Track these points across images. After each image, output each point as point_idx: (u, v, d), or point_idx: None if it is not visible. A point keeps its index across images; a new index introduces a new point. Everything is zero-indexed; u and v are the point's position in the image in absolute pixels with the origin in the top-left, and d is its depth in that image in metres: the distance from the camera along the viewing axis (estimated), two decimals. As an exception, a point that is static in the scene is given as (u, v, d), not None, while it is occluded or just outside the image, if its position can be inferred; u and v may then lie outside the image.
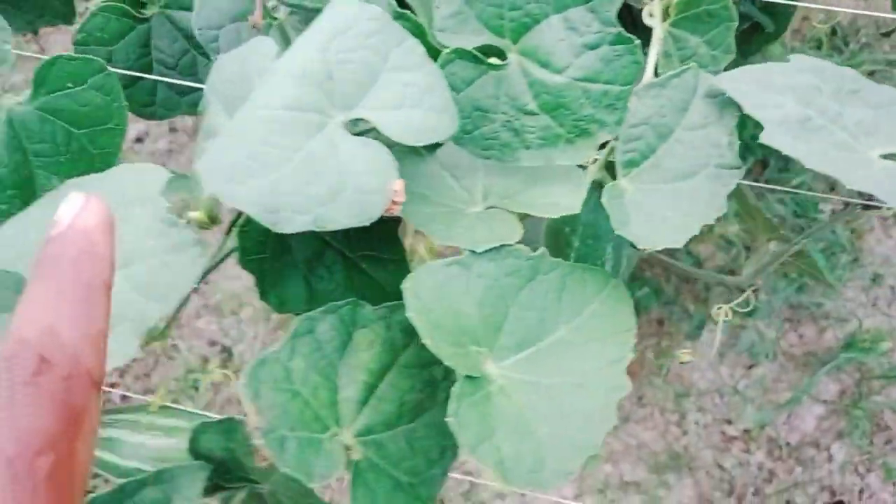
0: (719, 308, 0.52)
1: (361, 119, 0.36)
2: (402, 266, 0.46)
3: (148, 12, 0.51)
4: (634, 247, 0.51)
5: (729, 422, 1.50)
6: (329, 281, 0.43)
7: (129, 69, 0.51)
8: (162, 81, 0.52)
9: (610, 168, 0.45)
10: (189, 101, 0.54)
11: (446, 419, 0.33)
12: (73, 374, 0.17)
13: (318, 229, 0.33)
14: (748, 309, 0.53)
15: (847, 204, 0.44)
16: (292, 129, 0.34)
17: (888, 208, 0.42)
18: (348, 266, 0.44)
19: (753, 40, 0.63)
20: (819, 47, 1.65)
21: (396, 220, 0.43)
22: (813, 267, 0.51)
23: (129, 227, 0.36)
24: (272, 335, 1.41)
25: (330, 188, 0.33)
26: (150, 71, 0.52)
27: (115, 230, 0.19)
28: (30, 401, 0.16)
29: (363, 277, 0.45)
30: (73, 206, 0.18)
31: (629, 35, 0.37)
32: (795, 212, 1.46)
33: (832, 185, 1.61)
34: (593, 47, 0.37)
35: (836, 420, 1.49)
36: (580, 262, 0.42)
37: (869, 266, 1.50)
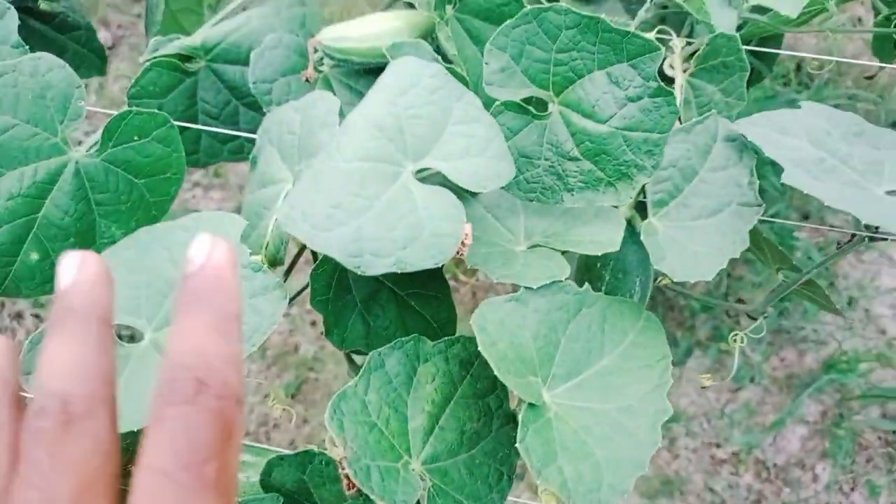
0: (735, 334, 0.56)
1: (428, 168, 0.39)
2: (446, 301, 0.49)
3: (194, 66, 0.54)
4: (655, 280, 0.55)
5: (717, 445, 1.54)
6: (383, 318, 0.46)
7: (176, 119, 0.53)
8: (206, 130, 0.55)
9: (638, 207, 0.48)
10: (230, 149, 0.57)
11: (516, 445, 0.36)
12: (223, 393, 0.19)
13: (398, 271, 0.35)
14: (761, 335, 0.56)
15: (853, 235, 0.48)
16: (371, 179, 0.37)
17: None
18: (399, 303, 0.47)
19: (751, 86, 0.68)
20: (787, 84, 1.74)
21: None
22: (822, 296, 0.55)
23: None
24: (266, 372, 1.42)
25: (408, 233, 0.36)
26: (195, 121, 0.55)
27: (237, 266, 0.21)
28: (193, 417, 0.18)
29: (412, 313, 0.47)
30: (203, 246, 0.21)
31: (668, 88, 0.41)
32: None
33: (805, 215, 1.68)
34: (635, 100, 0.41)
35: (819, 440, 1.54)
36: (610, 295, 0.45)
37: (844, 291, 1.57)
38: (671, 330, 1.57)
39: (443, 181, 0.39)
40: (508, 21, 0.43)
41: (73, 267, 0.21)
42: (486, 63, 0.44)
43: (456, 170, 0.38)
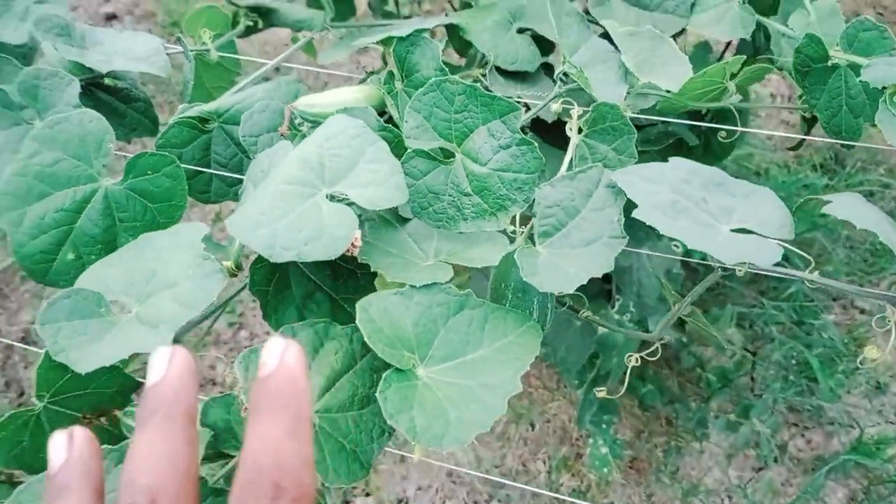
0: (629, 356, 0.64)
1: (340, 193, 0.52)
2: (377, 309, 0.61)
3: (210, 126, 0.70)
4: (561, 304, 0.65)
5: (738, 523, 1.53)
6: (317, 314, 0.58)
7: (193, 166, 0.69)
8: (216, 175, 0.71)
9: (531, 238, 0.60)
10: (235, 190, 0.72)
11: (376, 394, 0.47)
12: (299, 495, 0.20)
13: (299, 260, 0.48)
14: (655, 358, 0.65)
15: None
16: (291, 196, 0.50)
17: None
18: (334, 305, 0.59)
19: (681, 154, 0.79)
20: (815, 170, 1.79)
21: (374, 274, 0.58)
22: (702, 321, 0.63)
23: (179, 263, 0.53)
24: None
25: (311, 234, 0.49)
26: (208, 167, 0.71)
27: (308, 368, 0.23)
28: None
29: (343, 313, 0.60)
30: (276, 350, 0.22)
31: (530, 139, 0.53)
32: (792, 319, 1.55)
33: (834, 297, 1.70)
34: (506, 147, 0.54)
35: (844, 525, 1.51)
36: (514, 312, 0.56)
37: (871, 374, 1.56)
38: (689, 401, 1.60)
39: (349, 204, 0.52)
40: (420, 89, 0.57)
41: (164, 361, 0.22)
42: (406, 121, 0.58)
43: (360, 194, 0.52)
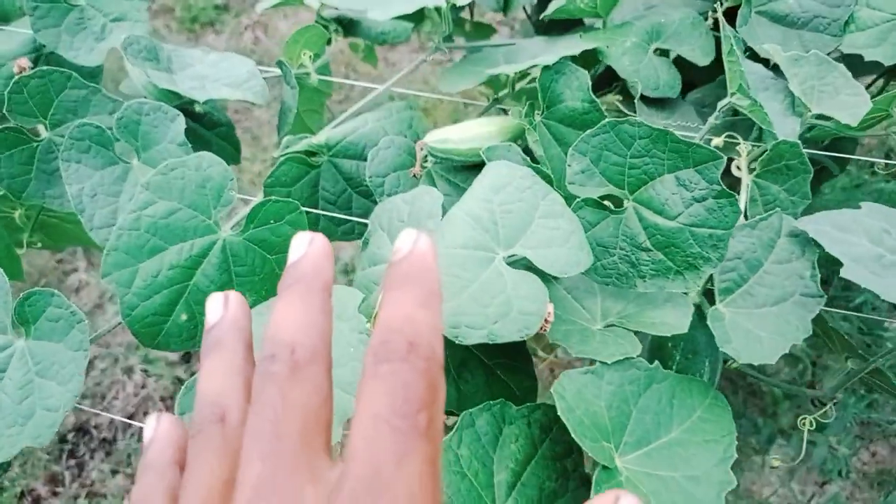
0: (804, 418, 0.58)
1: (516, 255, 0.46)
2: (528, 372, 0.55)
3: (318, 161, 0.63)
4: (725, 363, 0.59)
5: (802, 540, 1.49)
6: (472, 384, 0.52)
7: (301, 204, 0.62)
8: (324, 214, 0.64)
9: (706, 294, 0.53)
10: (343, 230, 0.65)
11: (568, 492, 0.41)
12: (430, 356, 0.21)
13: (489, 342, 0.42)
14: (829, 420, 0.59)
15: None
16: (469, 262, 0.44)
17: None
18: (487, 372, 0.53)
19: (821, 179, 0.72)
20: (875, 173, 1.73)
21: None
22: (889, 384, 0.57)
23: (335, 336, 0.46)
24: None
25: (499, 310, 0.42)
26: (316, 206, 0.64)
27: (438, 253, 0.25)
28: (406, 373, 0.20)
29: (498, 381, 0.53)
30: (410, 237, 0.23)
31: (730, 191, 0.46)
32: (860, 328, 1.50)
33: (894, 306, 1.64)
34: (700, 200, 0.47)
35: (914, 543, 1.46)
36: (680, 374, 0.50)
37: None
38: (753, 416, 1.55)
39: (528, 266, 0.46)
40: (589, 130, 0.50)
41: (304, 243, 0.24)
42: (569, 165, 0.51)
43: (541, 257, 0.45)
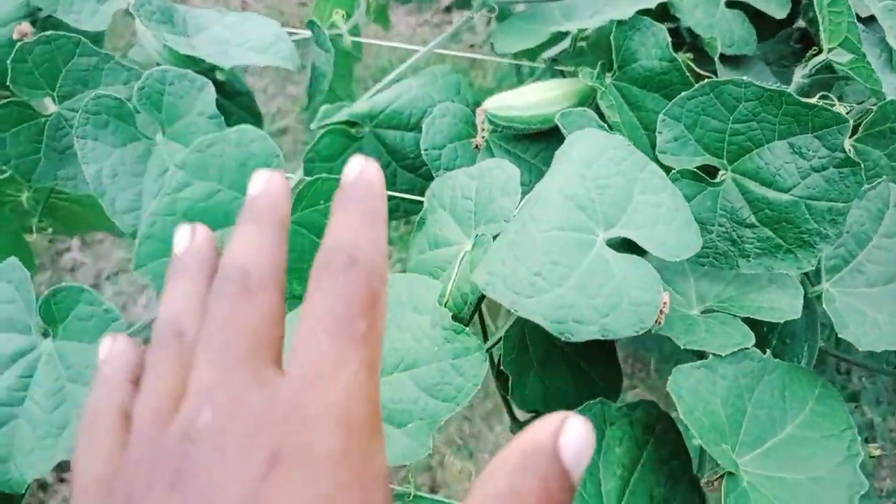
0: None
1: (618, 236, 0.40)
2: (614, 364, 0.50)
3: (360, 132, 0.57)
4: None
5: None
6: (557, 377, 0.47)
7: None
8: (368, 191, 0.58)
9: (812, 275, 0.48)
10: (388, 207, 0.59)
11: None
12: (371, 270, 0.22)
13: (602, 338, 0.36)
14: None
15: None
16: (567, 247, 0.38)
17: None
18: (570, 365, 0.48)
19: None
20: None
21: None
22: None
23: (407, 333, 0.41)
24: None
25: (609, 301, 0.37)
26: (358, 181, 0.58)
27: (384, 180, 0.25)
28: (346, 284, 0.21)
29: (582, 374, 0.48)
30: (357, 163, 0.24)
31: (855, 159, 0.41)
32: None
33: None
34: (819, 170, 0.42)
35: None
36: (776, 359, 0.45)
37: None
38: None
39: (630, 248, 0.40)
40: (684, 93, 0.45)
41: (262, 180, 0.25)
42: (660, 132, 0.45)
43: (647, 238, 0.40)
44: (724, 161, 0.45)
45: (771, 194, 0.43)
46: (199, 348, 0.22)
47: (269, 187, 0.26)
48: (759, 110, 0.43)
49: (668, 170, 0.45)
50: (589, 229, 0.40)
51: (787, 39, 0.74)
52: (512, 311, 0.37)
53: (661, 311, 0.38)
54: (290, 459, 0.20)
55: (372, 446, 0.21)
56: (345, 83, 0.71)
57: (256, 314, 0.23)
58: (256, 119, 0.69)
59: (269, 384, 0.21)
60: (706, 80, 0.44)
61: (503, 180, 0.45)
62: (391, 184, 0.59)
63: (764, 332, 0.50)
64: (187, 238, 0.26)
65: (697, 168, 0.46)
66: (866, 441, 1.46)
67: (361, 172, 0.25)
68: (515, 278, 0.37)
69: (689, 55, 0.59)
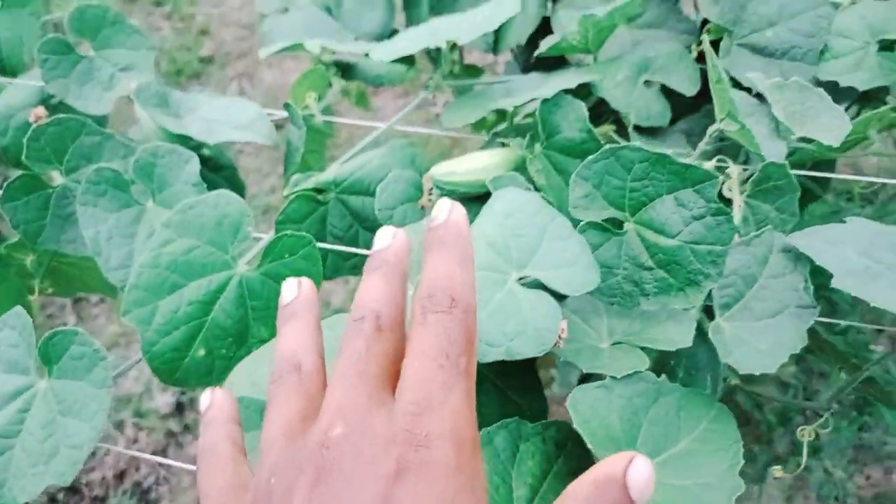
0: (803, 429, 0.60)
1: (529, 276, 0.48)
2: (539, 394, 0.56)
3: (326, 197, 0.66)
4: (724, 380, 0.60)
5: (801, 565, 1.49)
6: (487, 406, 0.53)
7: (314, 237, 0.64)
8: (332, 249, 0.66)
9: (705, 311, 0.55)
10: (350, 264, 0.67)
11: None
12: (467, 309, 0.26)
13: (508, 358, 0.44)
14: (826, 430, 0.61)
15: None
16: (485, 284, 0.46)
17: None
18: (500, 394, 0.54)
19: (803, 203, 0.76)
20: (851, 199, 1.79)
21: (534, 358, 0.53)
22: (882, 393, 0.60)
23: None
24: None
25: (516, 328, 0.44)
26: (324, 241, 0.66)
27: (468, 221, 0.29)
28: (450, 322, 0.25)
29: (510, 403, 0.55)
30: (446, 206, 0.28)
31: (726, 208, 0.49)
32: (847, 352, 1.52)
33: (880, 329, 1.67)
34: (699, 218, 0.50)
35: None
36: (695, 393, 0.52)
37: (930, 405, 1.54)
38: (748, 444, 1.56)
39: (539, 286, 0.48)
40: (590, 157, 0.53)
41: (389, 236, 0.29)
42: (572, 190, 0.54)
43: (552, 277, 0.47)
44: (627, 213, 0.53)
45: (662, 241, 0.51)
46: (336, 374, 0.26)
47: (394, 243, 0.29)
48: (649, 170, 0.51)
49: (578, 222, 0.53)
50: (503, 270, 0.47)
51: (710, 113, 0.83)
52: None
53: (560, 337, 0.45)
54: (415, 469, 0.23)
55: (476, 460, 0.24)
56: (318, 156, 0.80)
57: (384, 351, 0.26)
58: (239, 189, 0.78)
59: (388, 407, 0.24)
60: (607, 146, 0.53)
61: (439, 233, 0.53)
62: (354, 242, 0.68)
63: (672, 366, 0.57)
64: (295, 288, 0.31)
65: (605, 220, 0.54)
66: (837, 500, 1.49)
67: (450, 215, 0.28)
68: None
69: (613, 126, 0.68)
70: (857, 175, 0.85)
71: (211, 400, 0.31)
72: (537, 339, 0.44)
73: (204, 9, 2.78)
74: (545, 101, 0.60)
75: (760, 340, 0.52)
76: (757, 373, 0.50)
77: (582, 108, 0.60)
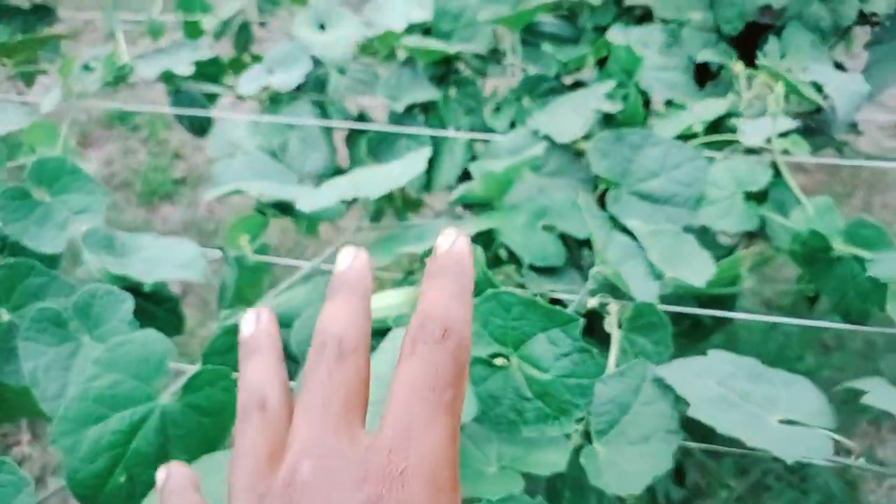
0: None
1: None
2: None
3: (253, 329, 0.72)
4: (621, 500, 0.66)
5: None
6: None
7: (235, 370, 0.70)
8: (258, 378, 0.72)
9: (587, 435, 0.61)
10: (275, 391, 0.73)
11: None
12: (460, 343, 0.25)
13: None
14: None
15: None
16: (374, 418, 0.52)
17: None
18: None
19: (697, 333, 0.83)
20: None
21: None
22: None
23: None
24: None
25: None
26: (250, 370, 0.72)
27: (473, 256, 0.28)
28: (439, 354, 0.24)
29: None
30: (450, 237, 0.28)
31: (589, 347, 0.56)
32: (789, 466, 1.56)
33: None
34: (567, 355, 0.56)
35: None
36: None
37: (869, 520, 1.56)
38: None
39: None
40: (477, 298, 0.60)
41: (350, 257, 0.29)
42: (462, 329, 0.61)
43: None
44: (510, 349, 0.60)
45: (537, 374, 0.58)
46: (300, 407, 0.25)
47: (355, 263, 0.29)
48: (524, 311, 0.58)
49: (469, 357, 0.60)
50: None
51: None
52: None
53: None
54: None
55: (454, 502, 0.23)
56: (255, 290, 0.87)
57: (348, 378, 0.25)
58: (179, 321, 0.84)
59: (360, 441, 0.24)
60: (489, 291, 0.60)
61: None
62: (278, 372, 0.73)
63: (559, 488, 0.62)
64: (253, 322, 0.30)
65: (495, 355, 0.60)
66: None
67: (454, 245, 0.28)
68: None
69: (513, 266, 0.76)
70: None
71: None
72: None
73: (178, 134, 2.92)
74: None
75: (630, 463, 0.57)
76: (624, 494, 0.55)
77: (480, 252, 0.68)
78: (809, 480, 1.54)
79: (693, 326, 0.82)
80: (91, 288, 0.67)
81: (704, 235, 0.93)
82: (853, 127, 1.05)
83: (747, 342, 1.77)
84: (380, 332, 0.67)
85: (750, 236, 0.90)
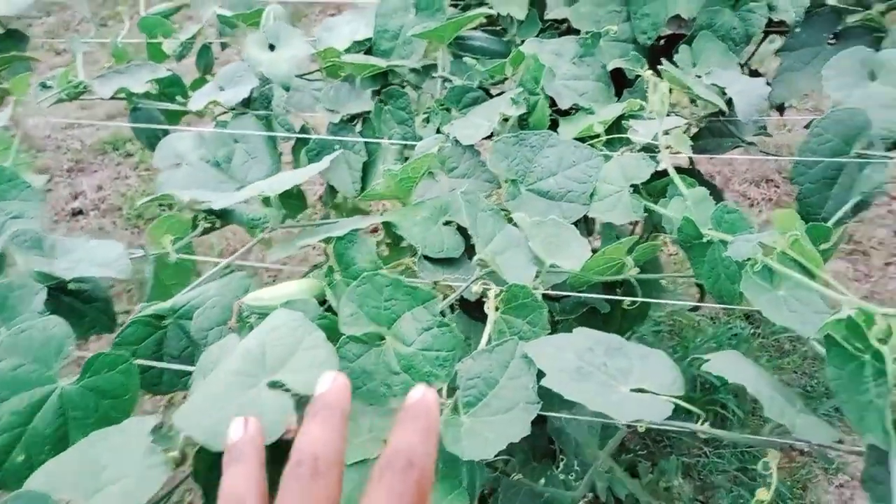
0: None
1: (280, 381, 0.58)
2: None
3: (165, 322, 0.77)
4: (493, 468, 0.69)
5: None
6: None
7: (146, 360, 0.75)
8: (168, 368, 0.76)
9: (456, 409, 0.65)
10: (185, 381, 0.77)
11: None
12: (423, 475, 0.28)
13: (243, 445, 0.53)
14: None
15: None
16: (235, 387, 0.56)
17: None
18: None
19: (595, 321, 0.88)
20: (744, 319, 1.91)
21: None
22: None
23: (129, 457, 0.57)
24: None
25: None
26: (161, 360, 0.76)
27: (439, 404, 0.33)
28: (403, 483, 0.27)
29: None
30: (421, 389, 0.32)
31: (448, 321, 0.60)
32: (736, 466, 1.59)
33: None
34: (428, 329, 0.61)
35: None
36: (444, 480, 0.61)
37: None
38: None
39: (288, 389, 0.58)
40: (354, 282, 0.65)
41: (329, 380, 0.32)
42: (342, 310, 0.65)
43: (296, 380, 0.58)
44: (385, 328, 0.64)
45: (404, 349, 0.62)
46: None
47: (334, 386, 0.32)
48: (394, 292, 0.63)
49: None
50: (255, 374, 0.58)
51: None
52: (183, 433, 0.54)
53: (289, 429, 0.55)
54: None
55: None
56: (180, 286, 0.92)
57: (322, 495, 0.28)
58: (111, 319, 0.89)
59: None
60: (365, 274, 0.65)
61: (228, 348, 0.64)
62: (190, 362, 0.78)
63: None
64: (241, 428, 0.33)
65: (368, 333, 0.65)
66: None
67: (423, 396, 0.32)
68: (192, 411, 0.55)
69: (414, 258, 0.81)
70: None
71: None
72: (267, 430, 0.54)
73: (166, 160, 3.00)
74: (339, 238, 0.73)
75: (489, 431, 0.61)
76: (476, 458, 0.59)
77: (371, 244, 0.73)
78: (757, 479, 1.55)
79: (591, 313, 0.86)
80: (6, 283, 0.72)
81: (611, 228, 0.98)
82: (762, 129, 1.10)
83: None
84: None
85: (654, 230, 0.94)
